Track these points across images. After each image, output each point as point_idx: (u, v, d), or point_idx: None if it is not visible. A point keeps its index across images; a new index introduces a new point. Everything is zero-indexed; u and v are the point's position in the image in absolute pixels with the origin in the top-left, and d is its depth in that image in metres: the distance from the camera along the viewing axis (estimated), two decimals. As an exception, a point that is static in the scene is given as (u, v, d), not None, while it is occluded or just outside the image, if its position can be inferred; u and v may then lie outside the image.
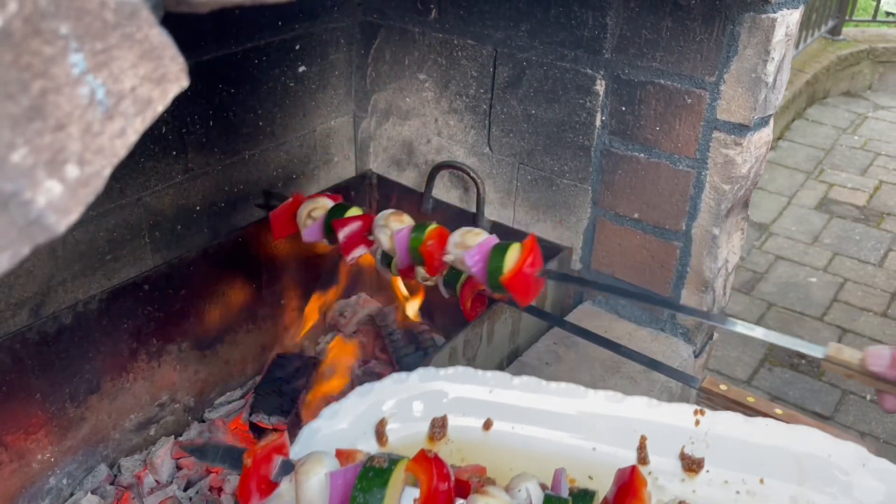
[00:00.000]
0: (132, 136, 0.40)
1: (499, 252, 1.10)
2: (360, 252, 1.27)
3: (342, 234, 1.26)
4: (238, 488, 0.75)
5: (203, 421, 1.51)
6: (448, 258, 1.16)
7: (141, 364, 1.36)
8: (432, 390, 0.90)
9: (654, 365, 1.13)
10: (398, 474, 0.72)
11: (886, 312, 2.86)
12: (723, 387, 1.14)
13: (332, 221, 1.29)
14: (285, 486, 0.74)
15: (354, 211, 1.30)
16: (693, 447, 0.86)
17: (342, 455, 0.77)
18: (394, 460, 0.73)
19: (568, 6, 1.37)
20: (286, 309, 1.65)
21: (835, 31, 4.98)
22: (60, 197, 0.36)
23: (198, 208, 1.45)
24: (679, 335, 1.50)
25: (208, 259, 1.43)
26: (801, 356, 2.67)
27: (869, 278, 3.06)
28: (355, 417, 0.86)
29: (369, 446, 0.85)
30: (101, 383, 1.30)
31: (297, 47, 1.54)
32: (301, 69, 1.56)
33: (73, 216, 0.36)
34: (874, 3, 5.38)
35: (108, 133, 0.38)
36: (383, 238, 1.23)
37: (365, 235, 1.26)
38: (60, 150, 0.36)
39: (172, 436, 1.45)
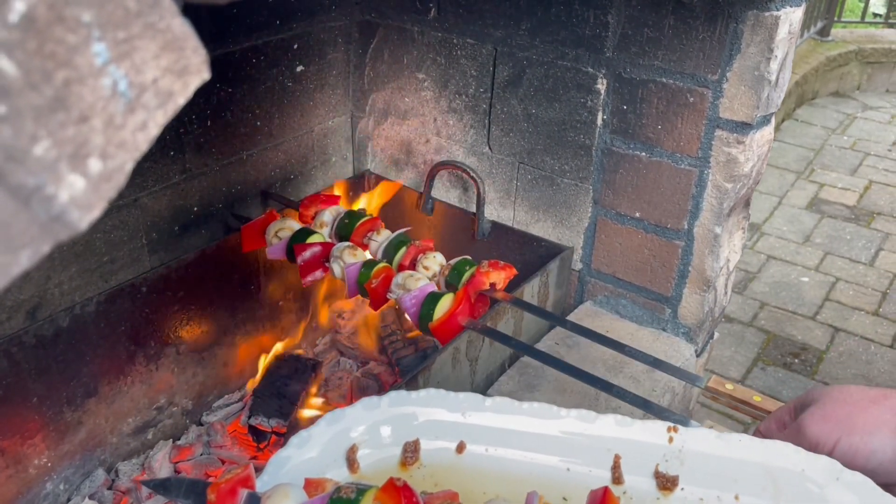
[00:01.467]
0: (154, 130, 0.38)
1: (432, 300, 1.20)
2: (317, 276, 1.35)
3: (301, 258, 1.34)
4: None
5: (201, 424, 1.49)
6: (391, 296, 1.26)
7: (138, 367, 1.34)
8: (403, 414, 0.88)
9: (657, 364, 1.13)
10: None
11: (878, 311, 2.88)
12: (729, 386, 1.14)
13: (293, 245, 1.36)
14: None
15: (317, 238, 1.38)
16: (667, 465, 0.85)
17: (311, 485, 0.75)
18: (361, 490, 0.71)
19: (569, 4, 1.36)
20: (284, 311, 1.64)
21: (823, 32, 5.02)
22: (83, 192, 0.34)
23: (195, 209, 1.43)
24: (681, 335, 1.50)
25: (206, 261, 1.41)
26: (795, 355, 2.68)
27: (860, 277, 3.08)
28: (325, 445, 0.84)
29: (340, 474, 0.83)
30: (98, 387, 1.28)
31: (295, 47, 1.52)
32: (299, 69, 1.55)
33: (96, 212, 0.35)
34: (862, 5, 5.43)
35: (130, 126, 0.37)
36: (336, 268, 1.32)
37: (323, 261, 1.35)
38: (83, 144, 0.34)
39: (171, 440, 1.43)
